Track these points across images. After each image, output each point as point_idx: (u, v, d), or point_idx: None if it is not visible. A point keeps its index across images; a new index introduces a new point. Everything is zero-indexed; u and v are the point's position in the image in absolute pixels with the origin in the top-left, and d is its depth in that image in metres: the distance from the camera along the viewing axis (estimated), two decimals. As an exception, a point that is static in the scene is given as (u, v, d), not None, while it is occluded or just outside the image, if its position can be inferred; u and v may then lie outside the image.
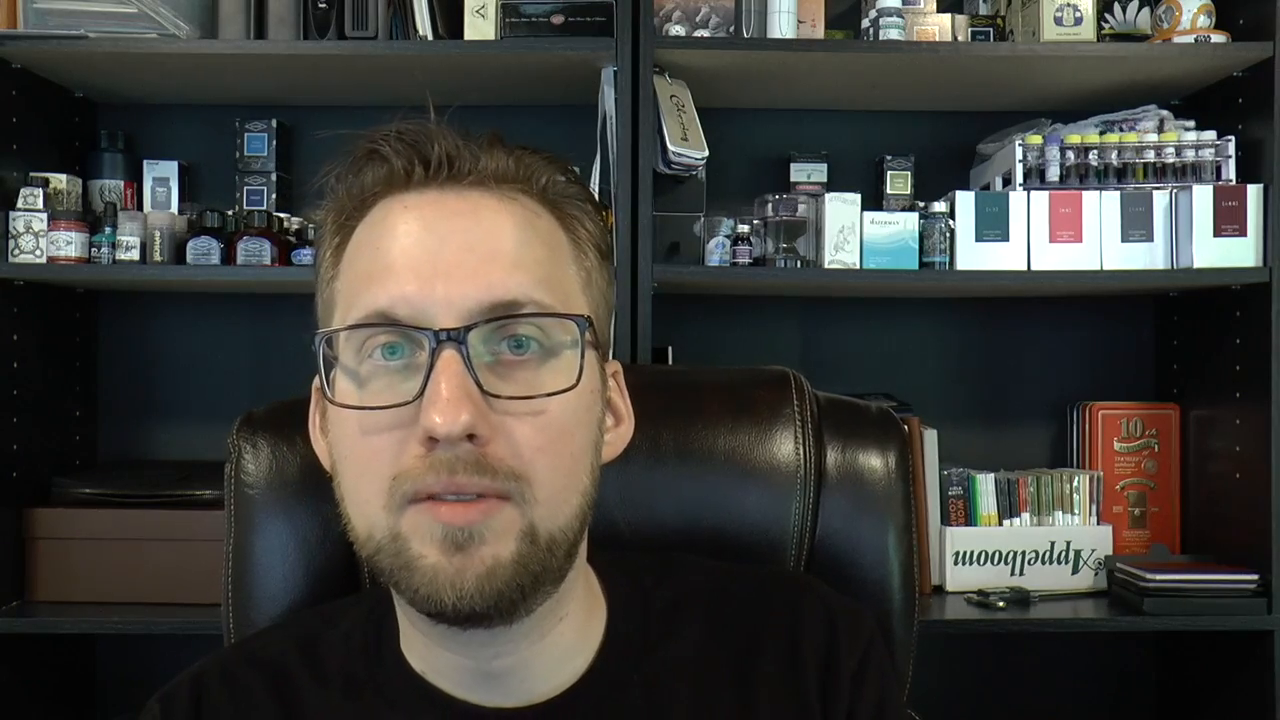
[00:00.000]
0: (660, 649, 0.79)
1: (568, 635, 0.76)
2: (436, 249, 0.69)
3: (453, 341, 0.67)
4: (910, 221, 1.81)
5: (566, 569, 0.72)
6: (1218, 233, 1.76)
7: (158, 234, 1.82)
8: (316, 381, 0.75)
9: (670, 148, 1.74)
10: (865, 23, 1.86)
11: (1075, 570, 1.90)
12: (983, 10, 1.99)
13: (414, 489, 0.67)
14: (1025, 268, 1.81)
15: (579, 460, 0.71)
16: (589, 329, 0.71)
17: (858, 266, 1.80)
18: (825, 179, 2.00)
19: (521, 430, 0.68)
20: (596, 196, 1.74)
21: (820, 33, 1.87)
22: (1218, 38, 1.81)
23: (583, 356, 0.70)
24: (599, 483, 0.74)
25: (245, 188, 2.00)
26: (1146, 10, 1.92)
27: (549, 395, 0.69)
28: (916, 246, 1.81)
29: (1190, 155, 1.84)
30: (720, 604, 0.82)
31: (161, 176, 2.00)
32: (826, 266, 1.80)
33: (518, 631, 0.71)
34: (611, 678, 0.76)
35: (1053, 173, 1.85)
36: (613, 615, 0.79)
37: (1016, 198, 1.81)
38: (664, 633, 0.79)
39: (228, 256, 1.81)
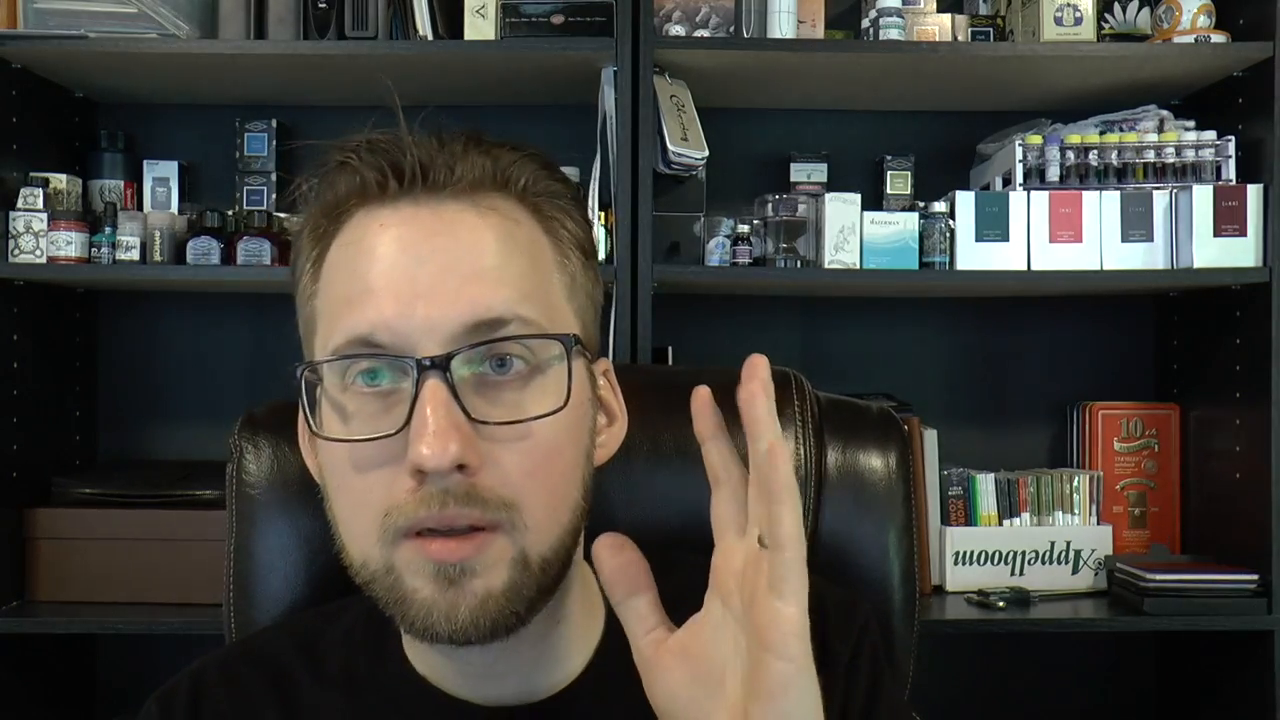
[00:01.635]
0: None
1: (566, 635, 0.76)
2: (415, 271, 0.67)
3: (437, 369, 0.65)
4: (910, 221, 1.81)
5: (562, 579, 0.72)
6: (1218, 233, 1.76)
7: (158, 234, 1.82)
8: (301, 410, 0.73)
9: (670, 148, 1.74)
10: (865, 23, 1.86)
11: (1075, 570, 1.90)
12: (983, 10, 1.99)
13: (407, 524, 0.66)
14: (1025, 268, 1.81)
15: (569, 477, 0.70)
16: (576, 344, 0.69)
17: (858, 266, 1.80)
18: (825, 179, 2.00)
19: (510, 456, 0.67)
20: (596, 196, 1.76)
21: (820, 33, 1.87)
22: (1218, 38, 1.81)
23: (570, 375, 0.68)
24: (592, 489, 0.74)
25: (245, 188, 2.00)
26: (1146, 10, 1.92)
27: (538, 418, 0.67)
28: (916, 246, 1.81)
29: (1190, 155, 1.84)
30: None
31: (161, 176, 2.00)
32: (826, 266, 1.80)
33: (515, 640, 0.71)
34: (610, 674, 0.76)
35: (1053, 173, 1.84)
36: (613, 613, 0.79)
37: (1016, 198, 1.81)
38: None
39: (228, 256, 1.80)
